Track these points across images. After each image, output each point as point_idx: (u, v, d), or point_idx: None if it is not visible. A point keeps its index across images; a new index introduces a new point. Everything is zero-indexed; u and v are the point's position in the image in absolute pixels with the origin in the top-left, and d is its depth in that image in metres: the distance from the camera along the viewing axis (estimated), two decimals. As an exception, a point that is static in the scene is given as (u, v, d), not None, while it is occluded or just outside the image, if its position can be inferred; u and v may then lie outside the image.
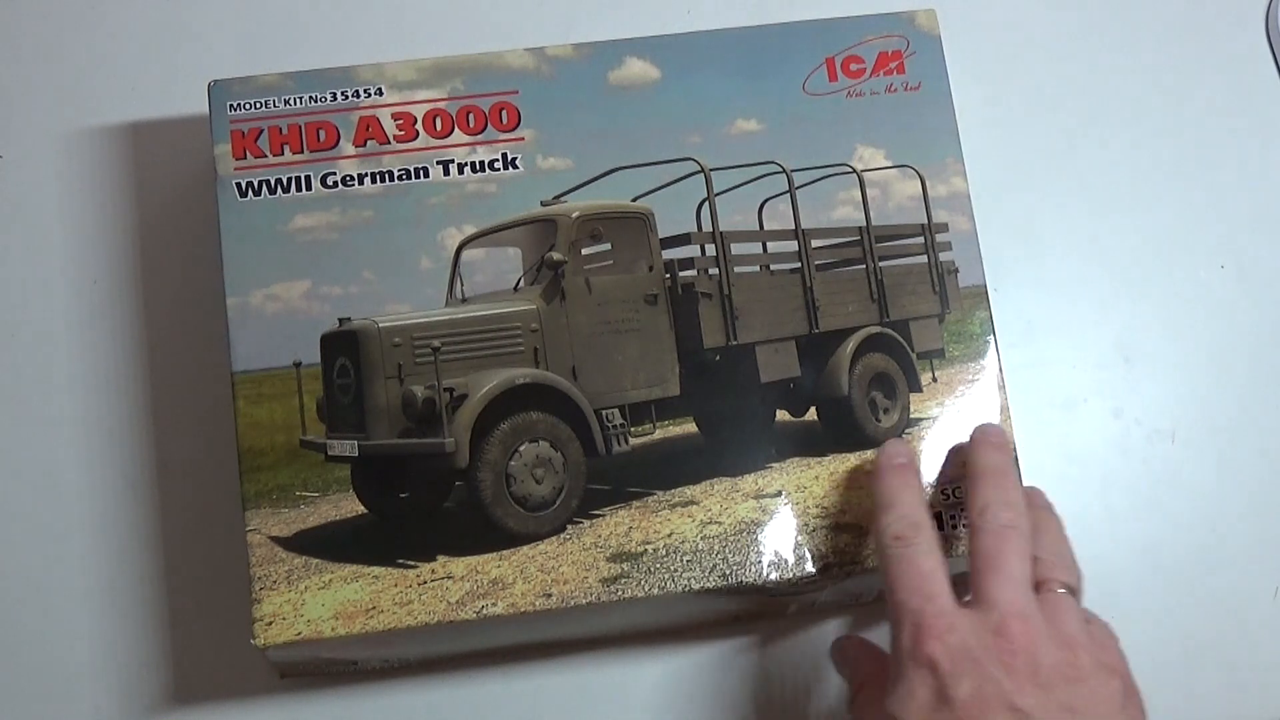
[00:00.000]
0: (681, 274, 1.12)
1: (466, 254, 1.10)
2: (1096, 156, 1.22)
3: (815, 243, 1.13)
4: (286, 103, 1.08)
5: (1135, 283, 1.20)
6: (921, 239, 1.12)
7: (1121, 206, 1.22)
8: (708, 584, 1.01)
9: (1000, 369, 1.07)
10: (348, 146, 1.08)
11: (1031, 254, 1.19)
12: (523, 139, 1.08)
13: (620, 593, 1.00)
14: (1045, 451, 1.10)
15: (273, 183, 1.06)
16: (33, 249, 1.15)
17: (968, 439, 1.02)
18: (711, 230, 1.12)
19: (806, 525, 1.03)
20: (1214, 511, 1.16)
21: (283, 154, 1.07)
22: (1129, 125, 1.24)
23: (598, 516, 1.05)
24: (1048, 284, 1.18)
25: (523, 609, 0.99)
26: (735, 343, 1.13)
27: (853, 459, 1.06)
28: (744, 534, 1.02)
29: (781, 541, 1.02)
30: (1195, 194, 1.23)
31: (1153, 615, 1.12)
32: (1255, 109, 1.25)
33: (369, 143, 1.08)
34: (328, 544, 1.02)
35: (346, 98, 1.09)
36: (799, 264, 1.14)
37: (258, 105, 1.07)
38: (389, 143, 1.08)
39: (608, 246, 1.16)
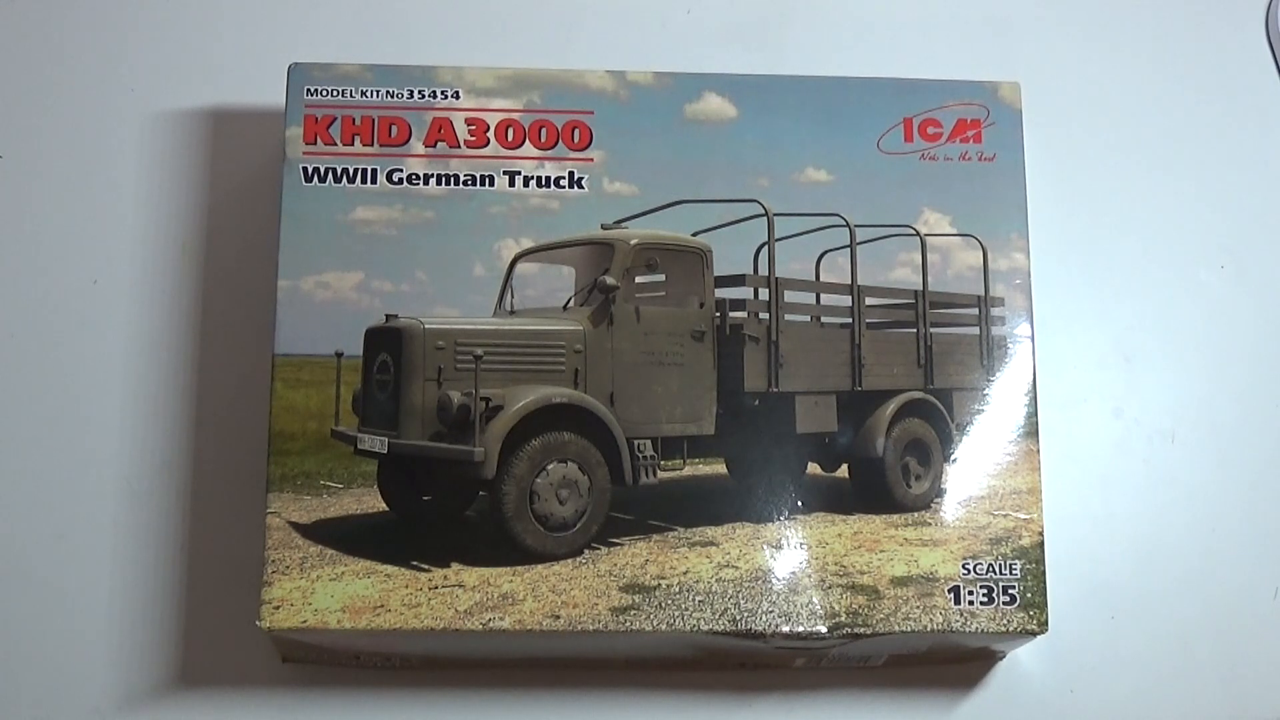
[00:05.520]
0: (732, 314, 1.12)
1: (521, 267, 1.10)
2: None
3: (869, 300, 1.13)
4: (363, 94, 1.08)
5: (1135, 283, 1.20)
6: (976, 310, 1.11)
7: (1122, 206, 1.21)
8: (716, 626, 1.00)
9: (1039, 457, 1.06)
10: (418, 145, 1.08)
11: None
12: (592, 160, 1.09)
13: (629, 624, 1.00)
14: (1045, 451, 1.09)
15: (339, 171, 1.07)
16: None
17: None
18: (768, 275, 1.11)
19: (823, 581, 1.02)
20: (1214, 511, 1.15)
21: (353, 144, 1.08)
22: (1129, 125, 1.23)
23: (616, 545, 1.05)
24: (1048, 283, 1.17)
25: (529, 627, 0.99)
26: (776, 390, 1.13)
27: (878, 521, 1.06)
28: (759, 582, 1.02)
29: (795, 594, 1.02)
30: (1195, 194, 1.22)
31: (1153, 615, 1.12)
32: (1255, 109, 1.24)
33: (439, 144, 1.08)
34: (345, 536, 1.02)
35: (423, 96, 1.09)
36: (850, 320, 1.13)
37: (335, 93, 1.08)
38: (459, 147, 1.08)
39: (662, 278, 1.16)
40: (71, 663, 1.07)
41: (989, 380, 1.09)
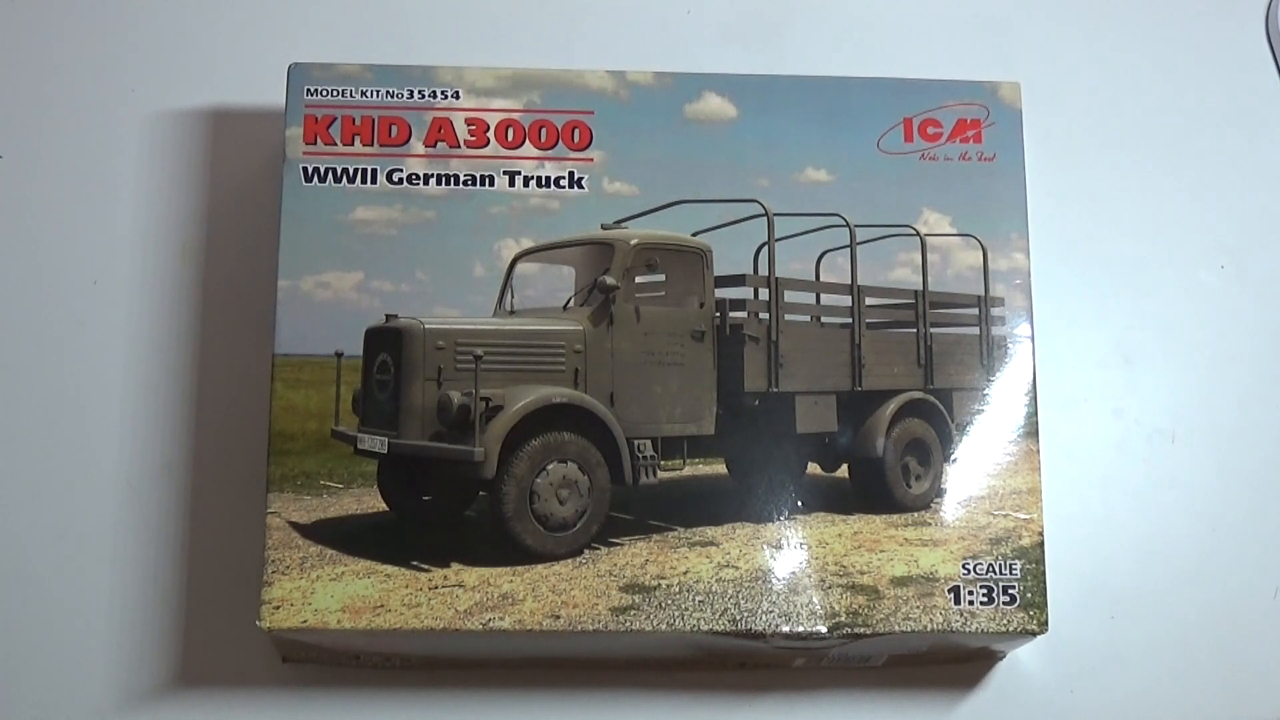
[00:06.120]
0: (732, 314, 1.12)
1: (521, 267, 1.10)
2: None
3: (869, 300, 1.13)
4: (363, 94, 1.08)
5: (1135, 283, 1.19)
6: (976, 310, 1.11)
7: (1122, 206, 1.21)
8: (716, 626, 1.00)
9: (1039, 457, 1.06)
10: (418, 145, 1.08)
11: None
12: (592, 160, 1.09)
13: (628, 624, 0.99)
14: (1045, 451, 1.09)
15: (339, 171, 1.07)
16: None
17: None
18: (768, 275, 1.11)
19: (823, 581, 1.02)
20: (1214, 511, 1.15)
21: (353, 144, 1.08)
22: (1129, 125, 1.23)
23: (616, 545, 1.04)
24: (1048, 283, 1.17)
25: (529, 627, 0.99)
26: (776, 390, 1.13)
27: (878, 521, 1.06)
28: (759, 582, 1.02)
29: (795, 594, 1.02)
30: (1195, 194, 1.22)
31: (1153, 615, 1.12)
32: (1255, 109, 1.24)
33: (439, 144, 1.08)
34: (345, 536, 1.02)
35: (423, 96, 1.09)
36: (850, 320, 1.13)
37: (335, 93, 1.08)
38: (459, 147, 1.08)
39: (662, 278, 1.16)
40: (71, 663, 1.07)
41: (989, 380, 1.08)
